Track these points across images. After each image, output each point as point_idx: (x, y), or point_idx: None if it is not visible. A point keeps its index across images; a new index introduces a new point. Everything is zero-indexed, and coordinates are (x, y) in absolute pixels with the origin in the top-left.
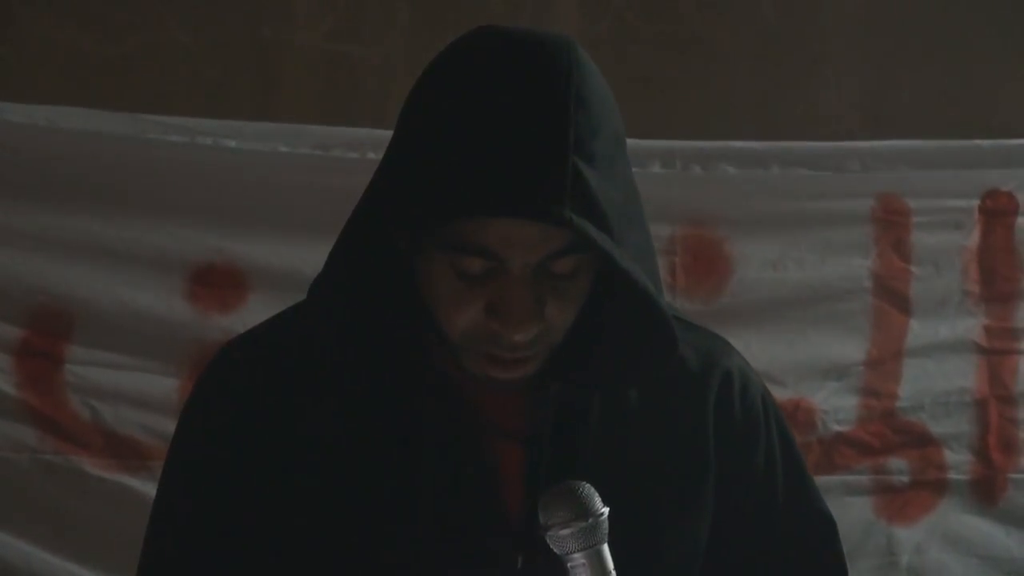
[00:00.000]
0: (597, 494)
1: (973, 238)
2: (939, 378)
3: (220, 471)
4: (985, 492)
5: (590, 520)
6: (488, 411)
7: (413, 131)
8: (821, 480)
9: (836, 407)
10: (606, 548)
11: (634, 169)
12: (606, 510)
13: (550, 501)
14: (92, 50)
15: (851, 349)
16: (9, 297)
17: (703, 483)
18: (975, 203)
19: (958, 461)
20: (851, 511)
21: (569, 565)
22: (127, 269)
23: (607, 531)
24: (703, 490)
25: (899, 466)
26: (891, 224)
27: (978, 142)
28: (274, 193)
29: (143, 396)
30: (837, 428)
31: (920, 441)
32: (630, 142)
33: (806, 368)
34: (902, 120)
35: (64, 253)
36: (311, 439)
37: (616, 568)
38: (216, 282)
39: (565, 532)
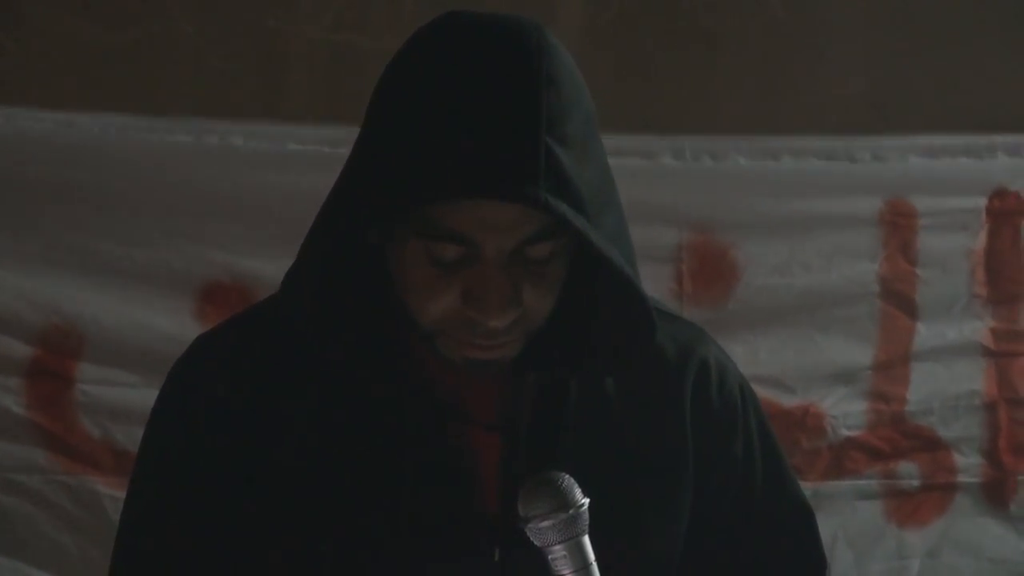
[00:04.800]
0: (577, 485)
1: (980, 240)
2: (947, 381)
3: (192, 466)
4: (996, 495)
5: (571, 512)
6: (465, 400)
7: (381, 118)
8: (831, 485)
9: (845, 412)
10: (586, 539)
11: (644, 161)
12: (586, 501)
13: (529, 493)
14: (95, 40)
15: (859, 354)
16: (19, 317)
17: (682, 473)
18: (982, 203)
19: (968, 464)
20: (862, 516)
21: (549, 557)
22: (137, 288)
23: (587, 522)
24: (682, 480)
25: (909, 470)
26: (898, 227)
27: (989, 136)
28: (282, 205)
29: None
30: (846, 433)
31: (930, 445)
32: (640, 137)
33: (814, 373)
34: (910, 114)
35: (73, 272)
36: (284, 432)
37: (596, 559)
38: (225, 300)
39: (545, 524)
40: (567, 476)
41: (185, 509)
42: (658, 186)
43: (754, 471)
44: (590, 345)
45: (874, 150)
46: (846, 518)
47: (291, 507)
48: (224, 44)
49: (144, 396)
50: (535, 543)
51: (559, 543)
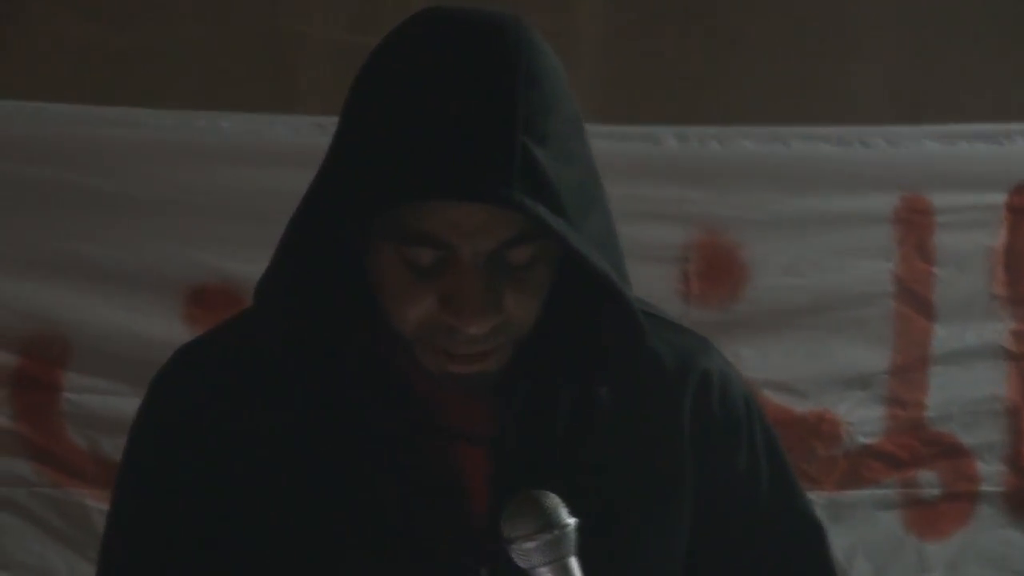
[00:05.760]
0: (563, 504)
1: (999, 238)
2: (968, 386)
3: (171, 479)
4: (1020, 504)
5: (555, 532)
6: (450, 413)
7: (355, 117)
8: (848, 495)
9: (861, 419)
10: (574, 561)
11: (649, 145)
12: (573, 521)
13: (512, 512)
14: (103, 42)
15: (874, 357)
16: (1, 325)
17: (679, 489)
18: (1002, 200)
19: (991, 472)
20: (880, 526)
21: None
22: (123, 291)
23: (575, 543)
24: (679, 496)
25: (929, 479)
26: (914, 224)
27: (1008, 125)
28: (273, 200)
29: None
30: (863, 441)
31: (950, 452)
32: (645, 127)
33: (828, 378)
34: (934, 108)
35: (57, 276)
36: (263, 446)
37: None
38: (215, 303)
39: (529, 545)
40: (552, 495)
41: (165, 525)
42: (663, 180)
43: (759, 486)
44: (579, 355)
45: (887, 136)
46: (864, 529)
47: (271, 523)
48: (235, 46)
49: (132, 405)
50: (520, 565)
51: (544, 565)
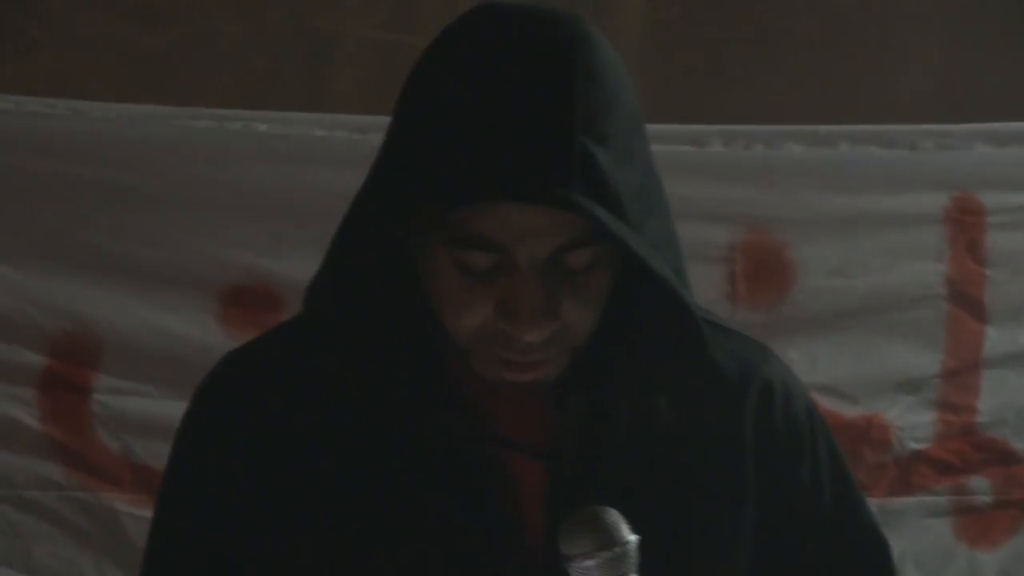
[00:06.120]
0: (624, 520)
1: None
2: (1021, 390)
3: (219, 488)
4: None
5: (616, 550)
6: (505, 423)
7: (408, 117)
8: (898, 502)
9: (912, 424)
10: None
11: (693, 148)
12: (633, 538)
13: (571, 529)
14: (137, 41)
15: (925, 360)
16: (31, 323)
17: (742, 503)
18: None
19: None
20: (930, 534)
21: None
22: (156, 290)
23: (636, 560)
24: (742, 511)
25: (981, 486)
26: (965, 225)
27: None
28: (308, 198)
29: (176, 426)
30: (914, 446)
31: (1003, 458)
32: (690, 126)
33: (878, 382)
34: (981, 108)
35: (89, 274)
36: (313, 456)
37: None
38: (249, 302)
39: (589, 563)
40: (613, 511)
41: (210, 535)
42: (708, 179)
43: (822, 501)
44: (639, 364)
45: (937, 138)
46: (914, 537)
47: (317, 535)
48: (269, 45)
49: (164, 407)
50: None
51: None
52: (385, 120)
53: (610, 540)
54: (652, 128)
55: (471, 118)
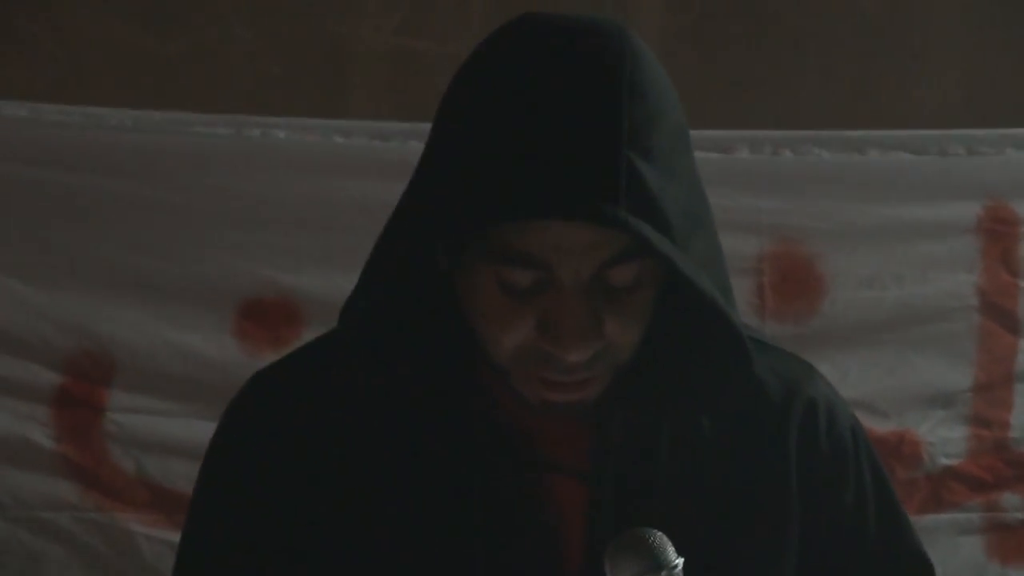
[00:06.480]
0: (670, 543)
1: None
2: None
3: (250, 508)
4: None
5: (663, 573)
6: (545, 443)
7: (450, 130)
8: (929, 519)
9: (943, 439)
10: None
11: (719, 155)
12: (680, 561)
13: (618, 553)
14: (150, 48)
15: (957, 374)
16: (44, 341)
17: (785, 525)
18: None
19: None
20: (962, 552)
21: None
22: (170, 305)
23: None
24: (786, 533)
25: (1014, 502)
26: (999, 235)
27: None
28: (330, 212)
29: (192, 445)
30: (945, 462)
31: None
32: (716, 132)
33: (909, 396)
34: (1010, 114)
35: (102, 290)
36: (348, 477)
37: None
38: (267, 317)
39: None
40: (659, 533)
41: (245, 556)
42: (736, 189)
43: (867, 523)
44: (681, 383)
45: (968, 143)
46: (946, 555)
47: (357, 559)
48: (284, 51)
49: (180, 426)
50: None
51: None
52: (406, 127)
53: (657, 563)
54: None
55: (514, 133)
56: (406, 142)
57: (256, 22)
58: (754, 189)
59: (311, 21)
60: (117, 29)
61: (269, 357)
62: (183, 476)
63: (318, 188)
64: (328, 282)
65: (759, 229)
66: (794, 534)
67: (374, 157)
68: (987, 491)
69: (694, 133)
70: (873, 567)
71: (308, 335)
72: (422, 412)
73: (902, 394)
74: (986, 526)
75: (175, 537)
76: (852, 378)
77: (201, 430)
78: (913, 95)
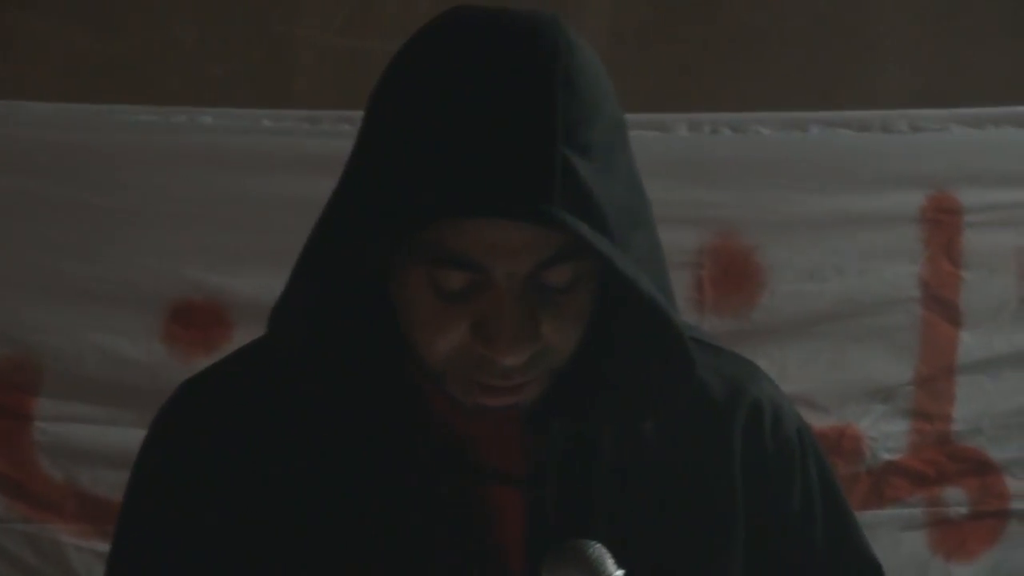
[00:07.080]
0: (609, 555)
1: None
2: (997, 397)
3: (179, 519)
4: None
5: None
6: (482, 450)
7: (380, 126)
8: (871, 514)
9: (885, 433)
10: None
11: (659, 134)
12: (620, 573)
13: (554, 563)
14: (86, 46)
15: (899, 367)
16: None
17: (731, 530)
18: None
19: (1021, 489)
20: (905, 547)
21: None
22: (98, 309)
23: None
24: (731, 538)
25: (956, 497)
26: (942, 225)
27: None
28: (256, 207)
29: (122, 453)
30: (887, 456)
31: (979, 468)
32: (655, 115)
33: (849, 390)
34: (961, 101)
35: (25, 293)
36: (278, 485)
37: None
38: (197, 321)
39: None
40: (597, 544)
41: (172, 569)
42: (674, 180)
43: (814, 526)
44: (622, 385)
45: (911, 120)
46: (888, 550)
47: (290, 569)
48: (227, 51)
49: (110, 433)
50: None
51: None
52: (336, 113)
53: (595, 574)
54: None
55: (446, 130)
56: (338, 125)
57: (199, 21)
58: (693, 180)
59: (254, 20)
60: (56, 29)
61: (200, 361)
62: (113, 485)
63: (247, 184)
64: (259, 283)
65: (698, 222)
66: (740, 537)
67: (309, 152)
68: (929, 485)
69: (631, 115)
70: (820, 568)
71: (239, 337)
72: (356, 419)
73: (843, 388)
74: (929, 521)
75: (105, 547)
76: (792, 372)
77: (131, 437)
78: (864, 86)
